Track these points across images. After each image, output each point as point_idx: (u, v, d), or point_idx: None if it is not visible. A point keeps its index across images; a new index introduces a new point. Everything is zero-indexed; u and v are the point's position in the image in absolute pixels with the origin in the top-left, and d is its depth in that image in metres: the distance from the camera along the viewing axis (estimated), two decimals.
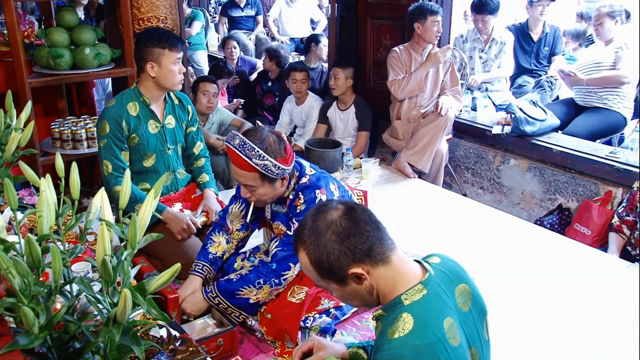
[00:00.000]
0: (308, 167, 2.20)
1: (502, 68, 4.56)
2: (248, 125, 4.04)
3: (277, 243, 2.18)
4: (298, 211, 2.10)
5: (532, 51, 4.82)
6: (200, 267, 2.26)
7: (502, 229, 3.23)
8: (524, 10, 4.93)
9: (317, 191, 2.10)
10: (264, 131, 2.04)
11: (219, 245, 2.32)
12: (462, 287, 1.33)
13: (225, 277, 2.19)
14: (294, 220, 2.12)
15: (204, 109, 3.96)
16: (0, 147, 1.82)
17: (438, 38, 3.88)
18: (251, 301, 2.13)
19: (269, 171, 2.00)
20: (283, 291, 2.18)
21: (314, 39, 5.27)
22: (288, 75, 4.49)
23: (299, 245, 1.33)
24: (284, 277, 2.14)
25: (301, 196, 2.11)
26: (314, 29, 7.37)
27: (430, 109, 3.95)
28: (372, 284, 1.28)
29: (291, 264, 2.12)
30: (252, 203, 2.19)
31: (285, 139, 2.08)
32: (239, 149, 1.99)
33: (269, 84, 5.28)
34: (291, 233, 2.12)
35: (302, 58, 5.72)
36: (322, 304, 2.18)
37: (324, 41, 5.21)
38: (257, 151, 1.97)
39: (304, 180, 2.15)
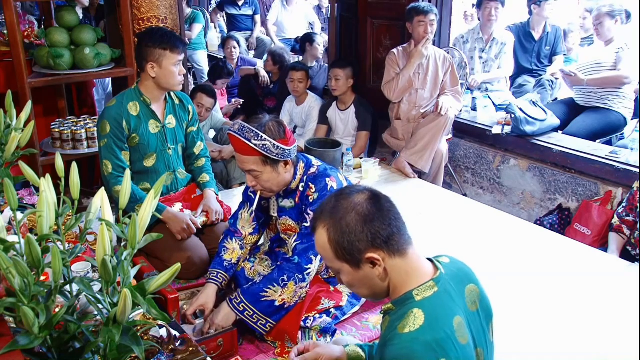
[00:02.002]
0: (314, 160, 2.23)
1: (502, 68, 4.57)
2: None
3: (295, 237, 2.17)
4: (311, 200, 2.11)
5: (533, 50, 4.82)
6: (215, 275, 2.24)
7: (502, 229, 3.23)
8: (521, 10, 4.94)
9: (327, 179, 2.12)
10: (264, 118, 2.09)
11: (233, 251, 2.29)
12: (472, 288, 1.34)
13: (250, 283, 2.18)
14: (308, 211, 2.12)
15: None
16: (0, 147, 1.82)
17: (427, 39, 3.80)
18: (277, 303, 2.09)
19: (269, 151, 2.01)
20: None
21: (308, 39, 5.26)
22: (287, 74, 4.49)
23: (319, 222, 1.30)
24: (307, 272, 2.12)
25: (312, 186, 2.13)
26: (312, 29, 7.39)
27: (430, 109, 3.95)
28: (386, 273, 1.27)
29: (312, 257, 2.12)
30: (259, 193, 2.18)
31: (285, 124, 2.10)
32: (239, 133, 2.02)
33: (270, 86, 5.27)
34: (308, 224, 2.12)
35: (299, 58, 5.73)
36: (322, 304, 2.18)
37: (319, 40, 5.20)
38: (256, 132, 2.00)
39: (312, 170, 2.16)
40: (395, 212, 1.30)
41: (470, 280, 1.35)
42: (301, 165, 2.18)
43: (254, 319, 2.09)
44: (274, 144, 2.02)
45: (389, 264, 1.27)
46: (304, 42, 5.27)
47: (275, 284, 2.09)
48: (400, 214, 1.32)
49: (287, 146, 2.05)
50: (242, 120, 5.02)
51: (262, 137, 2.00)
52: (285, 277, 2.10)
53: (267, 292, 2.09)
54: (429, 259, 1.35)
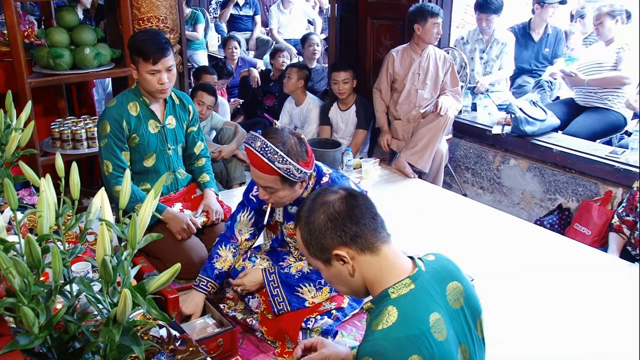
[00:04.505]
0: (324, 167, 2.18)
1: (504, 69, 4.56)
2: (241, 128, 4.03)
3: None
4: None
5: (532, 51, 4.81)
6: (204, 284, 2.23)
7: (502, 229, 3.23)
8: (523, 11, 4.92)
9: None
10: (284, 133, 1.98)
11: (225, 260, 2.28)
12: (454, 285, 1.34)
13: (285, 272, 2.18)
14: None
15: None
16: (0, 147, 1.82)
17: (438, 39, 3.90)
18: (306, 304, 2.13)
19: (291, 175, 1.95)
20: None
21: (303, 40, 5.28)
22: (286, 73, 4.51)
23: (297, 221, 1.38)
24: None
25: None
26: (312, 26, 7.39)
27: (430, 109, 3.95)
28: (355, 269, 1.30)
29: None
30: (270, 205, 2.16)
31: (305, 140, 2.03)
32: (261, 152, 1.93)
33: (270, 84, 5.27)
34: None
35: (300, 59, 5.75)
36: (324, 306, 2.18)
37: (314, 39, 5.18)
38: (280, 155, 1.91)
39: (324, 179, 2.13)
40: (370, 212, 1.32)
41: (453, 278, 1.35)
42: (313, 174, 2.12)
43: (280, 307, 2.15)
44: (297, 168, 1.94)
45: (359, 260, 1.29)
46: (303, 43, 5.29)
47: (311, 284, 2.13)
48: (378, 213, 1.34)
49: (308, 169, 1.99)
50: (242, 120, 5.07)
51: (286, 160, 1.92)
52: (322, 281, 2.12)
53: (302, 288, 2.13)
54: (411, 257, 1.35)
